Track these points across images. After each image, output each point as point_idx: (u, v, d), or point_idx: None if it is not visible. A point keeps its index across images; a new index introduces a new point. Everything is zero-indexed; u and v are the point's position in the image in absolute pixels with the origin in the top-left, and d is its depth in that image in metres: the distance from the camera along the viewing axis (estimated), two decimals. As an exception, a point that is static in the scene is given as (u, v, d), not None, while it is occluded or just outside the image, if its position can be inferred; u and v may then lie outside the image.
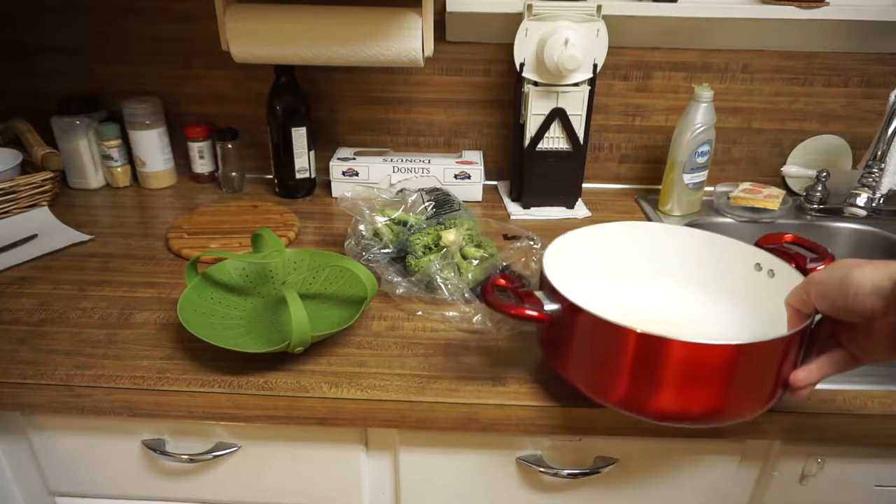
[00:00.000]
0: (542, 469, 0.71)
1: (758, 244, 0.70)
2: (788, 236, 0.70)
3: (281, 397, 0.66)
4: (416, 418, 0.67)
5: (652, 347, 0.54)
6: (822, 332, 0.58)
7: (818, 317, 0.58)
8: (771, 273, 0.68)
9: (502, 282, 0.65)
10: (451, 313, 0.77)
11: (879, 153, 0.99)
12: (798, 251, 0.68)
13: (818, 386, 0.67)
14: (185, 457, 0.73)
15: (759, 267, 0.69)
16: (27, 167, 1.05)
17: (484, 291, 0.62)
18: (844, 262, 0.53)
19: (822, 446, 0.71)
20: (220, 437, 0.73)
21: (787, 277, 0.65)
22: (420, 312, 0.79)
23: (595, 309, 0.57)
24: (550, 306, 0.60)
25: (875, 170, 0.99)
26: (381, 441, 0.74)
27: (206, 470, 0.76)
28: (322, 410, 0.67)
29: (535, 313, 0.60)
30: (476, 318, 0.76)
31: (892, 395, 0.67)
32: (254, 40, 0.96)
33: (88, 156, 1.12)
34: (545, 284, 0.63)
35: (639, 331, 0.54)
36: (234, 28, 0.96)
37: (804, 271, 0.65)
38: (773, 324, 0.62)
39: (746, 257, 0.70)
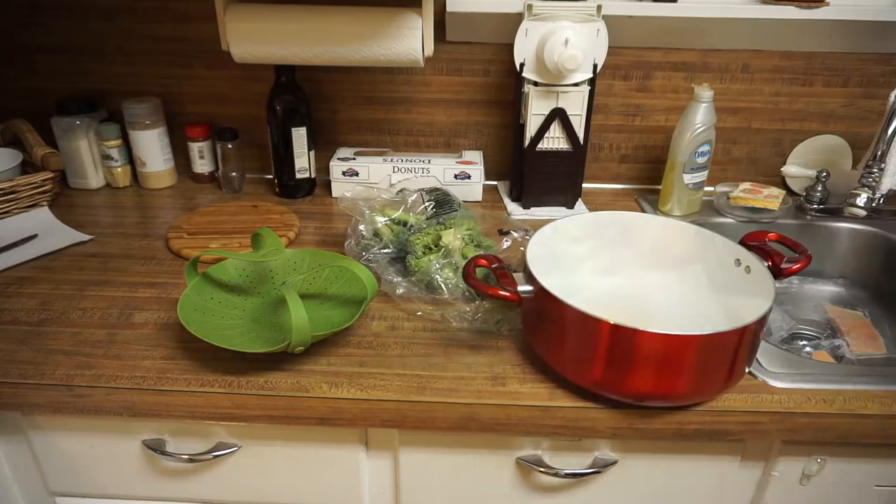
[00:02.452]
0: (541, 469, 0.71)
1: (743, 241, 0.74)
2: (772, 235, 0.74)
3: (281, 397, 0.66)
4: (416, 418, 0.67)
5: (623, 337, 0.60)
6: None
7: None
8: (748, 269, 0.72)
9: (483, 262, 0.70)
10: (451, 313, 0.77)
11: (879, 153, 0.98)
12: (778, 250, 0.72)
13: (817, 385, 0.68)
14: (185, 457, 0.73)
15: (738, 262, 0.73)
16: (27, 167, 1.05)
17: (465, 270, 0.67)
18: None
19: (822, 446, 0.71)
20: (220, 437, 0.73)
21: (761, 274, 0.69)
22: (420, 312, 0.79)
23: (576, 299, 0.61)
24: (524, 288, 0.65)
25: (875, 170, 0.99)
26: (381, 441, 0.74)
27: (206, 470, 0.76)
28: (322, 410, 0.67)
29: (506, 293, 0.64)
30: (476, 317, 0.76)
31: (892, 394, 0.67)
32: (254, 40, 0.96)
33: (88, 156, 1.12)
34: (524, 269, 0.68)
35: (612, 322, 0.59)
36: (234, 28, 0.96)
37: (777, 270, 0.69)
38: (743, 315, 0.65)
39: (730, 253, 0.74)
